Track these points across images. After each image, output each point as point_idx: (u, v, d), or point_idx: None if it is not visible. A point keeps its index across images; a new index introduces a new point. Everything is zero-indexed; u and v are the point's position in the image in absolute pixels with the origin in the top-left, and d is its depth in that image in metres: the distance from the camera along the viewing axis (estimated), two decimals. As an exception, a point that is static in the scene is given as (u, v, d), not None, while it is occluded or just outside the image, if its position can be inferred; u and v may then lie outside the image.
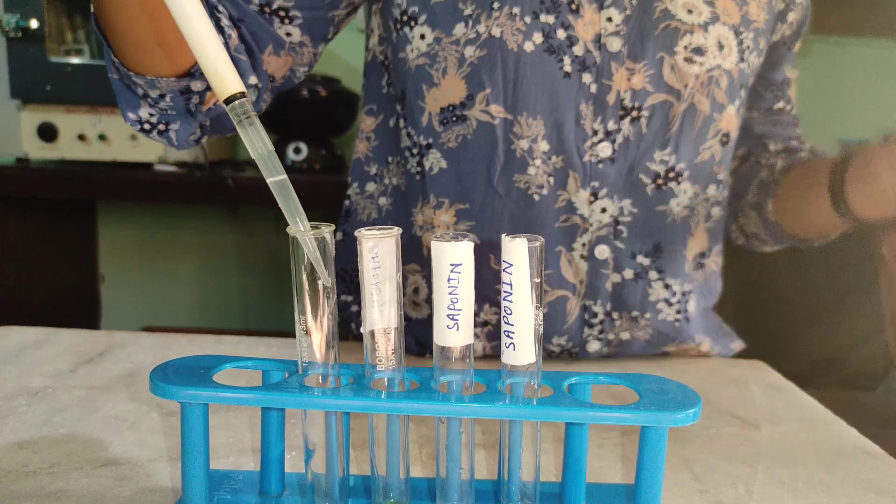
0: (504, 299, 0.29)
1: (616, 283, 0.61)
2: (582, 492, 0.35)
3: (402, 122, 0.63)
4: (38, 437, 0.41)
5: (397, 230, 0.29)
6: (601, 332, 0.62)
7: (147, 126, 0.54)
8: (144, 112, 0.54)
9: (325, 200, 1.39)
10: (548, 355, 0.63)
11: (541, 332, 0.30)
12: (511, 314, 0.29)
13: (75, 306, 1.82)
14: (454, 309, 0.29)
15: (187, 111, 0.54)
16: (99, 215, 1.88)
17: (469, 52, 0.57)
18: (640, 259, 0.61)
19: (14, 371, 0.52)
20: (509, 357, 0.30)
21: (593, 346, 0.62)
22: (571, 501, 0.35)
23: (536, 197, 0.59)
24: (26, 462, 0.38)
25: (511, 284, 0.29)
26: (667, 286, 0.62)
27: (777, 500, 0.39)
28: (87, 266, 1.86)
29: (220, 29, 0.53)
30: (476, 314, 0.61)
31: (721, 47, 0.58)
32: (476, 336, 0.62)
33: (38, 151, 1.41)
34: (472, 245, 0.29)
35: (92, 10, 0.48)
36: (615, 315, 0.62)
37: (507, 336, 0.30)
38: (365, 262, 0.29)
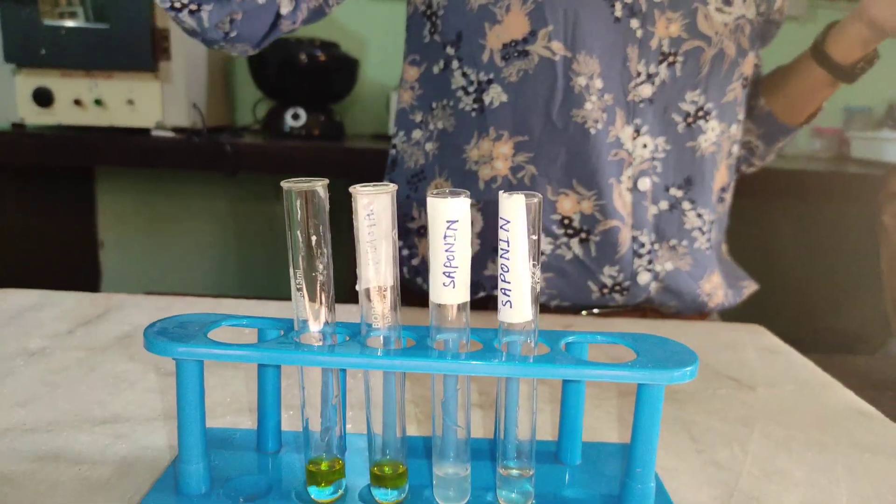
0: (501, 257, 0.29)
1: (655, 214, 0.65)
2: (578, 450, 0.35)
3: (454, 64, 0.66)
4: (36, 397, 0.41)
5: (393, 186, 0.29)
6: (650, 262, 0.65)
7: (178, 4, 0.55)
8: None
9: (325, 168, 1.38)
10: (600, 291, 0.65)
11: (538, 289, 0.30)
12: (508, 272, 0.29)
13: (75, 273, 1.82)
14: (450, 266, 0.29)
15: None
16: (97, 181, 1.87)
17: None
18: (674, 191, 0.65)
19: (13, 333, 0.52)
20: (506, 315, 0.30)
21: (643, 277, 0.66)
22: (567, 460, 0.35)
23: (592, 131, 0.62)
24: (25, 420, 0.39)
25: (508, 242, 0.28)
26: (699, 215, 0.67)
27: (772, 460, 0.39)
28: (86, 232, 1.86)
29: None
30: None
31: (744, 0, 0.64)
32: None
33: (35, 117, 1.40)
34: (468, 202, 0.28)
35: None
36: (657, 245, 0.66)
37: (504, 294, 0.29)
38: (360, 220, 0.29)
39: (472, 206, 0.64)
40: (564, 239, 0.65)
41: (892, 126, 1.74)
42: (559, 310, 0.68)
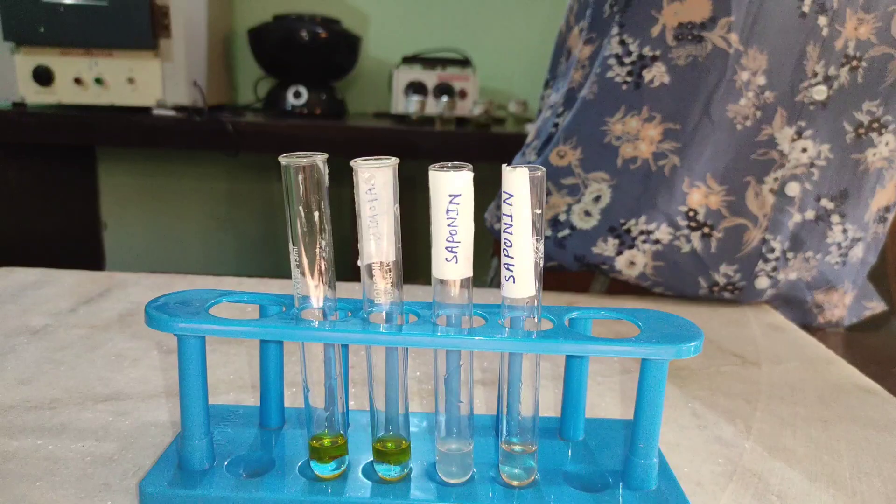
0: (504, 231, 0.29)
1: (798, 223, 0.61)
2: (581, 426, 0.35)
3: (614, 30, 0.62)
4: (39, 374, 0.42)
5: (394, 160, 0.28)
6: (774, 269, 0.62)
7: None
8: None
9: (328, 147, 1.38)
10: (709, 288, 0.63)
11: (542, 265, 0.29)
12: (511, 246, 0.29)
13: (78, 253, 1.82)
14: (453, 241, 0.28)
15: None
16: (99, 161, 1.86)
17: None
18: (825, 202, 0.61)
19: (15, 310, 0.52)
20: (509, 290, 0.29)
21: (762, 282, 0.62)
22: (570, 435, 0.35)
23: (739, 127, 0.59)
24: (28, 397, 0.39)
25: (511, 216, 0.28)
26: (844, 230, 0.62)
27: (776, 436, 0.39)
28: (88, 213, 1.86)
29: None
30: (650, 232, 0.62)
31: None
32: (643, 252, 0.63)
33: (35, 96, 1.39)
34: (471, 175, 0.28)
35: None
36: (791, 255, 0.62)
37: (507, 269, 0.29)
38: (361, 194, 0.28)
39: (604, 181, 0.64)
40: (686, 231, 0.62)
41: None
42: (662, 296, 0.66)
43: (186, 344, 0.29)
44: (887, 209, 0.65)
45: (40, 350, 0.45)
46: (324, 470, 0.31)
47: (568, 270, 0.66)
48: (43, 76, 1.37)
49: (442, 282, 0.29)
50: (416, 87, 1.51)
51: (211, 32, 1.53)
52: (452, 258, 0.29)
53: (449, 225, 0.28)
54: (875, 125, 0.59)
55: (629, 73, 0.62)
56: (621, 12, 0.62)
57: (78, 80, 1.38)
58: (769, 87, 0.58)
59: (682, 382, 0.45)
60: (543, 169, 0.28)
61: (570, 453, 0.34)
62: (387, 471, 0.31)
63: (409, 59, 1.56)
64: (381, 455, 0.31)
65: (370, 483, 0.30)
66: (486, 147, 1.38)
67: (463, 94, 1.51)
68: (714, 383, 0.45)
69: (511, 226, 0.28)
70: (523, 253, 0.28)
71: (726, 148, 0.60)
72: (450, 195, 0.28)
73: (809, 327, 0.65)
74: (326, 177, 0.29)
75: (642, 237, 0.62)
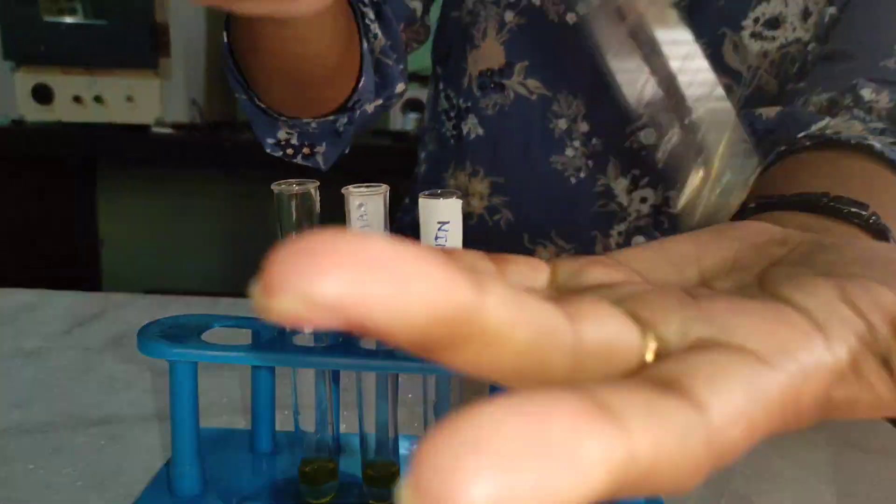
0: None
1: None
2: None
3: (441, 85, 0.61)
4: (32, 398, 0.42)
5: (385, 187, 0.29)
6: None
7: (290, 150, 0.51)
8: (283, 133, 0.49)
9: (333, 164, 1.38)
10: None
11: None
12: None
13: (76, 270, 1.82)
14: (442, 268, 0.29)
15: (335, 132, 0.50)
16: (98, 178, 1.87)
17: (508, 16, 0.53)
18: None
19: (9, 332, 0.52)
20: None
21: None
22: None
23: (573, 180, 0.55)
24: (21, 421, 0.39)
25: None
26: None
27: (764, 459, 0.39)
28: (87, 230, 1.86)
29: (366, 27, 0.47)
30: None
31: (807, 14, 0.48)
32: None
33: (34, 114, 1.40)
34: (460, 203, 0.28)
35: (225, 39, 0.43)
36: None
37: None
38: (353, 221, 0.29)
39: None
40: None
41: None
42: None
43: (179, 370, 0.29)
44: None
45: (34, 373, 0.45)
46: (315, 495, 0.31)
47: None
48: (43, 94, 1.38)
49: (431, 308, 0.30)
50: (414, 105, 1.52)
51: (210, 50, 1.55)
52: (441, 285, 0.29)
53: (438, 252, 0.28)
54: None
55: (454, 127, 0.59)
56: (442, 65, 0.60)
57: (77, 99, 1.39)
58: (595, 134, 0.54)
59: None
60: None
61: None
62: (377, 495, 0.31)
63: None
64: (371, 480, 0.31)
65: (360, 508, 0.31)
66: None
67: (460, 113, 1.52)
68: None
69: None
70: None
71: (565, 202, 0.56)
72: (438, 222, 0.28)
73: None
74: (318, 204, 0.29)
75: None
